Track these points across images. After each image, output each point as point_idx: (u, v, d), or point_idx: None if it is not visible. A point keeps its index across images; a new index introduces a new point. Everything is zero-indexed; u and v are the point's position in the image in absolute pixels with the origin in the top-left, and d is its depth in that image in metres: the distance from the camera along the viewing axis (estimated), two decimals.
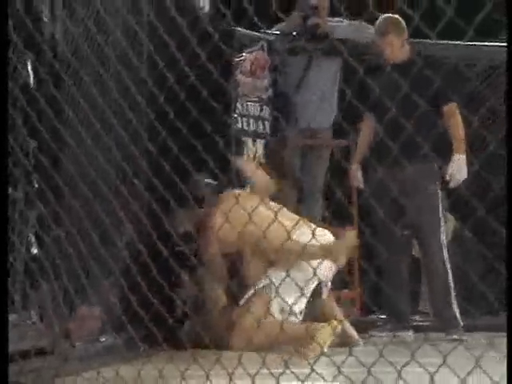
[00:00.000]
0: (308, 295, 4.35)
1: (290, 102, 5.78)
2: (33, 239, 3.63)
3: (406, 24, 5.14)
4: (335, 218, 4.81)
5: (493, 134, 5.35)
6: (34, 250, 3.63)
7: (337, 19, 5.89)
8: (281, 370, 2.44)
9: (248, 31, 5.51)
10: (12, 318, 3.49)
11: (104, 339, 3.97)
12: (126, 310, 3.25)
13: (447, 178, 5.21)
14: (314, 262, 4.13)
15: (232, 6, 2.41)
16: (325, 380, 2.45)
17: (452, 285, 5.16)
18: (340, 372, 2.28)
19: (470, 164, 5.15)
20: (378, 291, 5.45)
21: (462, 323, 5.14)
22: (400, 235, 5.19)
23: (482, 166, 4.92)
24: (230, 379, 2.47)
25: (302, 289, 3.36)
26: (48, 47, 3.52)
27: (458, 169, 5.15)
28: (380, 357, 2.21)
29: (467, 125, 5.15)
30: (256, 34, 5.61)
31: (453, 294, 5.17)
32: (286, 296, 4.16)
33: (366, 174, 5.38)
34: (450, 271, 5.16)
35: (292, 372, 2.43)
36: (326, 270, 4.47)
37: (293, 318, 4.32)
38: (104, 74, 3.40)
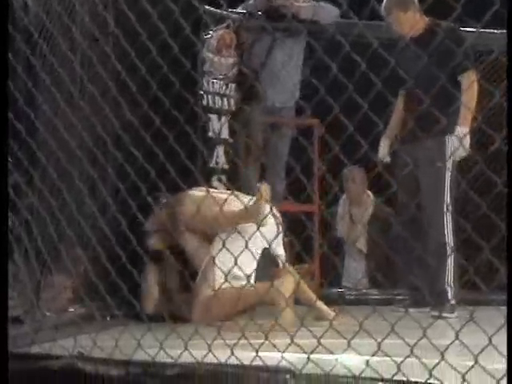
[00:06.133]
0: (257, 257, 4.35)
1: (254, 81, 5.84)
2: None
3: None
4: (296, 196, 4.86)
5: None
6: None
7: (303, 0, 5.95)
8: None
9: (214, 9, 5.54)
10: None
11: (73, 309, 4.01)
12: (89, 282, 3.29)
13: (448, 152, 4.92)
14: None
15: None
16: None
17: (450, 263, 4.88)
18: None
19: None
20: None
21: (452, 302, 4.88)
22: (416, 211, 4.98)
23: None
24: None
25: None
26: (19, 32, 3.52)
27: (460, 143, 4.78)
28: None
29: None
30: (222, 12, 5.65)
31: (450, 272, 4.90)
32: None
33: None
34: (450, 251, 4.83)
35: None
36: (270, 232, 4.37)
37: (242, 282, 4.09)
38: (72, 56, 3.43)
